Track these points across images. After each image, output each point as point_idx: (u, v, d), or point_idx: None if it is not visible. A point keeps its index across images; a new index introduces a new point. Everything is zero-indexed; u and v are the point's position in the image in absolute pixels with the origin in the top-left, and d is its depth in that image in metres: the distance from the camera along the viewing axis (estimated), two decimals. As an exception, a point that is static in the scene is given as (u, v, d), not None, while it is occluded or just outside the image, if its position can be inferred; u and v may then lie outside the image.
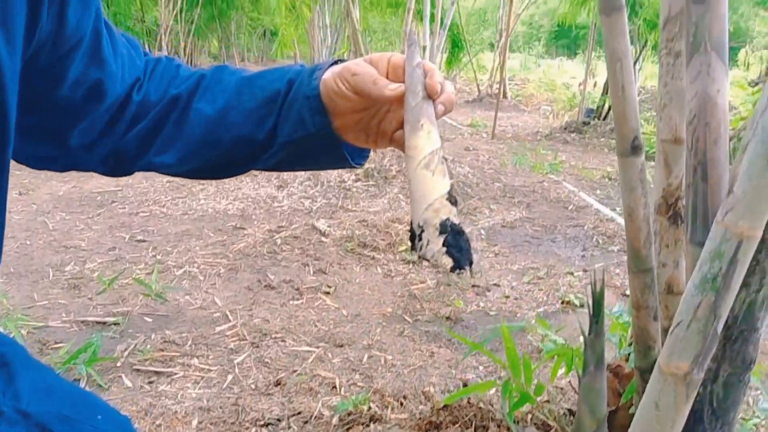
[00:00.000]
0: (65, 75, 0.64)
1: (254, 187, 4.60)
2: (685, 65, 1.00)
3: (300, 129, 0.72)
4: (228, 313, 2.62)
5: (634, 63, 7.09)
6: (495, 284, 3.11)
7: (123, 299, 2.71)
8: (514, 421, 1.32)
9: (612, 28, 1.09)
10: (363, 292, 2.94)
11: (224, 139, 0.73)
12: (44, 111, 0.67)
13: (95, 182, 4.59)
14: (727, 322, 0.89)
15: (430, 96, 0.68)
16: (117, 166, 0.76)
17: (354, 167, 0.80)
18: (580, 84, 8.82)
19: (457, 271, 0.70)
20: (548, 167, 5.68)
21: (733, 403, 0.88)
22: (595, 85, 8.71)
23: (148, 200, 4.26)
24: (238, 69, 0.78)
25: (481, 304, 2.87)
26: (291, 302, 2.78)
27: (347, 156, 0.76)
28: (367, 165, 4.91)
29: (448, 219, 0.65)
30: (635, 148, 1.12)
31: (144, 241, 3.49)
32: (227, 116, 0.73)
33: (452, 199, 0.66)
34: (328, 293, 2.89)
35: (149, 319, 2.56)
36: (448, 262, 0.69)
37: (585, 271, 3.33)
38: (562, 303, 2.87)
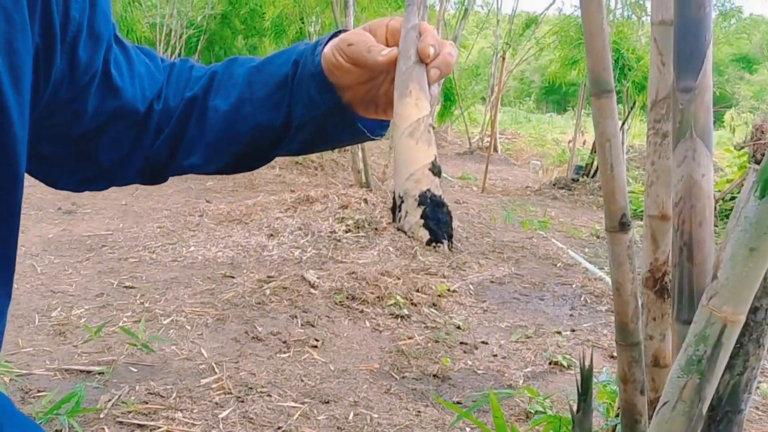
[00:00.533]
0: (84, 109, 0.66)
1: (245, 235, 4.61)
2: (671, 149, 1.04)
3: (312, 109, 0.71)
4: (214, 365, 2.60)
5: (623, 123, 7.25)
6: (483, 342, 3.10)
7: (109, 348, 2.68)
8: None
9: (602, 110, 1.13)
10: (351, 347, 2.93)
11: (243, 132, 0.73)
12: (71, 142, 0.69)
13: (85, 225, 4.59)
14: (711, 403, 0.91)
15: (422, 60, 0.64)
16: (153, 175, 0.77)
17: (375, 139, 0.78)
18: (569, 141, 8.98)
19: (434, 244, 0.67)
20: (537, 224, 5.74)
21: (718, 486, 0.89)
22: (584, 143, 8.87)
23: (138, 245, 4.25)
24: (248, 59, 0.78)
25: (469, 363, 2.86)
26: (278, 355, 2.76)
27: (364, 130, 0.74)
28: (357, 216, 4.95)
29: (428, 190, 0.62)
30: (623, 225, 1.15)
31: (132, 287, 3.47)
32: (242, 109, 0.73)
33: (435, 170, 0.63)
34: (315, 347, 2.88)
35: (134, 369, 2.53)
36: (424, 235, 0.65)
37: (573, 330, 3.34)
38: (550, 363, 2.87)
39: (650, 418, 1.26)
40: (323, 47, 0.71)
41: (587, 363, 0.86)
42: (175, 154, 0.74)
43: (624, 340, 1.19)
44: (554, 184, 8.03)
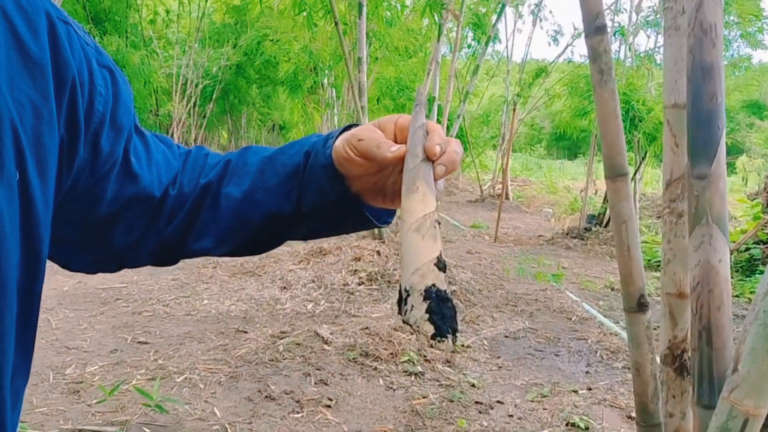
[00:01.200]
0: (104, 195, 0.70)
1: (258, 288, 4.62)
2: (688, 232, 1.06)
3: (321, 197, 0.74)
4: (227, 425, 2.58)
5: (634, 173, 7.27)
6: (498, 401, 3.06)
7: (122, 407, 2.67)
8: None
9: (617, 193, 1.15)
10: (364, 406, 2.90)
11: (254, 218, 0.76)
12: (89, 225, 0.72)
13: (100, 278, 4.62)
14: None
15: (429, 158, 0.67)
16: (164, 258, 0.80)
17: (381, 227, 0.81)
18: (581, 190, 9.00)
19: (438, 338, 0.67)
20: (551, 276, 5.71)
21: None
22: (596, 192, 8.88)
23: (152, 298, 4.27)
24: (262, 148, 0.81)
25: (485, 423, 2.82)
26: (291, 415, 2.74)
27: (371, 218, 0.77)
28: (369, 269, 4.95)
29: (433, 285, 0.63)
30: (641, 305, 1.16)
31: (146, 343, 3.47)
32: (254, 196, 0.76)
33: (440, 265, 0.64)
34: (329, 406, 2.85)
35: (148, 430, 2.51)
36: (429, 329, 0.65)
37: (589, 389, 3.29)
38: (567, 425, 2.82)
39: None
40: (334, 140, 0.74)
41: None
42: (186, 238, 0.77)
43: (645, 421, 1.19)
44: (567, 234, 8.02)
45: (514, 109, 8.95)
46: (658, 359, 1.19)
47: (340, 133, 0.76)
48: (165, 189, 0.76)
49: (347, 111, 8.21)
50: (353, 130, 0.74)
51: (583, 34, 1.17)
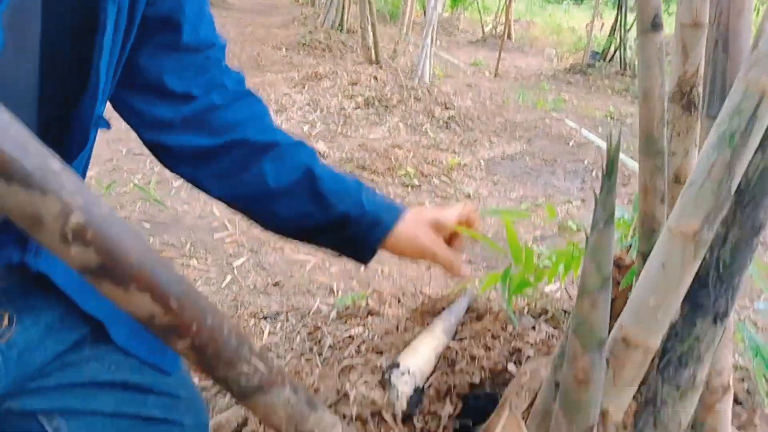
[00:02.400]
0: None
1: (253, 109, 4.54)
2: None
3: (344, 245, 0.79)
4: (227, 222, 2.62)
5: None
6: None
7: (121, 205, 2.70)
8: (512, 312, 1.33)
9: None
10: (361, 211, 2.94)
11: (266, 211, 0.78)
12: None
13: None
14: (739, 186, 0.89)
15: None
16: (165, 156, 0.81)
17: (361, 263, 0.83)
18: (586, 25, 8.66)
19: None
20: (551, 103, 5.62)
21: (738, 268, 0.88)
22: (602, 26, 8.54)
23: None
24: (313, 152, 0.82)
25: (479, 228, 2.87)
26: (289, 216, 2.78)
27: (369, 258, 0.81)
28: (367, 93, 4.85)
29: None
30: (655, 25, 1.09)
31: (141, 154, 3.45)
32: (280, 201, 0.76)
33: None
34: (326, 209, 2.89)
35: (147, 225, 2.55)
36: None
37: (583, 200, 3.34)
38: (560, 228, 2.88)
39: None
40: (392, 229, 0.77)
41: (614, 143, 0.82)
42: (201, 172, 0.77)
43: (648, 148, 1.16)
44: (569, 70, 7.82)
45: (522, -65, 8.36)
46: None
47: (398, 216, 0.78)
48: (204, 92, 0.76)
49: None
50: (416, 233, 0.77)
51: None
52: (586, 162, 4.09)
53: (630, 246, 1.29)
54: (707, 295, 0.94)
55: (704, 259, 0.92)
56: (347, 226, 0.76)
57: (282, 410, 0.45)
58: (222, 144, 0.75)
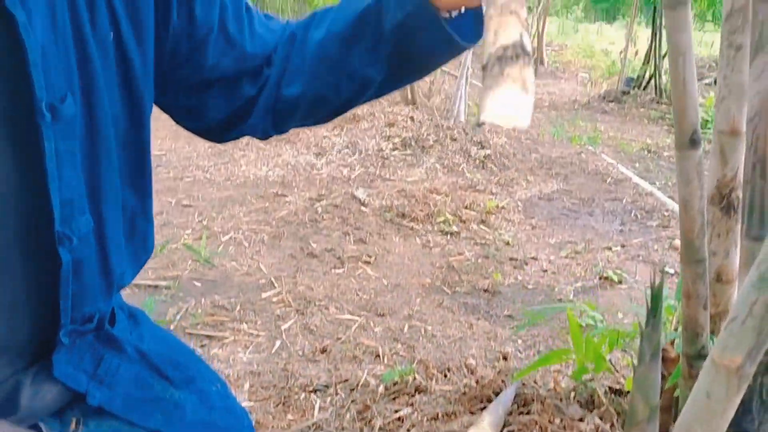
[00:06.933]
0: (204, 61, 0.77)
1: (293, 154, 4.66)
2: (748, 62, 1.02)
3: (399, 10, 0.72)
4: (273, 279, 2.71)
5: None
6: (533, 258, 3.14)
7: (173, 264, 2.81)
8: (559, 399, 1.37)
9: (676, 22, 1.10)
10: (402, 263, 3.01)
11: (337, 49, 0.77)
12: (198, 91, 0.80)
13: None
14: (780, 318, 0.92)
15: None
16: (262, 120, 0.83)
17: (466, 47, 0.76)
18: (620, 52, 8.63)
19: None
20: (587, 139, 5.63)
21: (781, 394, 0.92)
22: (636, 53, 8.51)
23: (192, 165, 4.35)
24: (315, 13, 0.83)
25: (519, 278, 2.91)
26: (333, 270, 2.85)
27: (453, 35, 0.73)
28: (404, 134, 4.94)
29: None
30: (693, 142, 1.14)
31: (190, 206, 3.59)
32: (333, 28, 0.77)
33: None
34: (368, 262, 2.96)
35: (198, 284, 2.66)
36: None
37: (623, 246, 3.34)
38: (600, 278, 2.90)
39: (711, 332, 1.29)
40: None
41: (657, 281, 0.88)
42: (279, 88, 0.79)
43: (689, 257, 1.20)
44: (604, 98, 7.80)
45: (553, -35, 8.42)
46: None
47: None
48: (267, 57, 0.80)
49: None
50: None
51: None
52: (624, 201, 4.09)
53: (674, 339, 1.32)
54: (751, 420, 0.98)
55: (748, 385, 0.96)
56: (381, 2, 0.74)
57: None
58: (283, 53, 0.80)
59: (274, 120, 0.84)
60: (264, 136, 0.89)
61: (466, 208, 3.74)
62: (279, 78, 0.80)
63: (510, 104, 0.47)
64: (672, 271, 3.03)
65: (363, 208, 3.61)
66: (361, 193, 3.81)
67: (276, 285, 2.67)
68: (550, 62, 12.17)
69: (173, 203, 3.60)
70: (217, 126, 0.85)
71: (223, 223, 3.33)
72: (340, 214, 3.51)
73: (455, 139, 4.90)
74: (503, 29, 0.54)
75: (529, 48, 0.52)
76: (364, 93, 0.80)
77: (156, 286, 2.62)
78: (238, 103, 0.81)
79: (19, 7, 0.57)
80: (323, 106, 0.82)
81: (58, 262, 0.66)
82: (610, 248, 3.29)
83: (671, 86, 1.13)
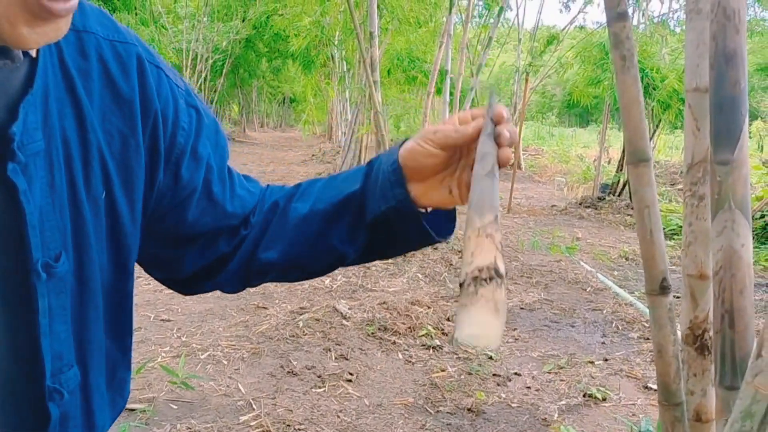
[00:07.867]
0: (185, 217, 0.79)
1: (275, 263, 4.67)
2: (710, 217, 1.07)
3: (383, 203, 0.76)
4: (252, 401, 2.65)
5: (650, 139, 7.22)
6: (516, 373, 3.11)
7: (149, 384, 2.75)
8: None
9: (640, 178, 1.16)
10: (384, 380, 2.96)
11: (317, 228, 0.81)
12: (177, 243, 0.82)
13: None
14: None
15: (497, 120, 0.71)
16: (235, 278, 0.85)
17: (439, 242, 0.81)
18: (594, 159, 8.95)
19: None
20: (564, 249, 5.73)
21: None
22: (609, 160, 8.82)
23: (172, 276, 4.33)
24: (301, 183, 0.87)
25: (503, 395, 2.87)
26: (314, 390, 2.80)
27: (430, 231, 0.77)
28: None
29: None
30: (664, 288, 1.18)
31: (168, 320, 3.54)
32: (318, 206, 0.81)
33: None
34: (350, 381, 2.91)
35: (175, 406, 2.59)
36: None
37: (606, 360, 3.33)
38: (584, 396, 2.87)
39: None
40: (399, 147, 0.78)
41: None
42: (255, 251, 0.82)
43: (667, 400, 1.21)
44: (580, 203, 8.01)
45: (527, 79, 8.86)
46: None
47: (402, 143, 0.80)
48: (245, 218, 0.84)
49: (358, 84, 8.16)
50: (422, 131, 0.79)
51: (605, 21, 1.17)
52: (604, 311, 4.11)
53: (658, 480, 1.30)
54: None
55: None
56: (372, 171, 0.79)
57: None
58: (264, 220, 0.83)
59: (246, 277, 0.86)
60: (231, 291, 0.91)
61: (447, 320, 3.73)
62: (257, 241, 0.83)
63: (482, 324, 0.51)
64: (655, 386, 3.01)
65: (345, 321, 3.59)
66: (343, 306, 3.80)
67: (255, 407, 2.60)
68: (527, 167, 12.55)
69: (152, 318, 3.56)
70: (186, 278, 0.86)
71: (202, 338, 3.28)
72: (321, 328, 3.48)
73: (436, 248, 4.96)
74: (479, 251, 0.58)
75: (502, 270, 0.56)
76: (338, 265, 0.85)
77: (132, 410, 2.54)
78: (212, 258, 0.83)
79: (21, 176, 0.58)
80: (297, 272, 0.86)
81: (45, 417, 0.66)
82: (592, 362, 3.28)
83: (639, 237, 1.18)
